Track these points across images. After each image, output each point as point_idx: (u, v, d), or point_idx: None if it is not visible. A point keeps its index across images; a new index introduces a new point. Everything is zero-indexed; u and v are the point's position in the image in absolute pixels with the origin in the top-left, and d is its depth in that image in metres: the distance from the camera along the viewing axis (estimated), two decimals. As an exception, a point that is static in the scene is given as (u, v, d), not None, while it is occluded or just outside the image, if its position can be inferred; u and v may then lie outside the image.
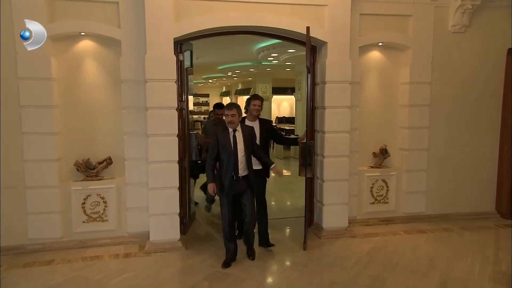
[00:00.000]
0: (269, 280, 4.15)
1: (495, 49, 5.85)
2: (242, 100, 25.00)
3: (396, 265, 4.35)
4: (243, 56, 11.92)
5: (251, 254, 4.53)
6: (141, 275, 4.09)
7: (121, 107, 4.84)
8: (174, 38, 4.64)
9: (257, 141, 4.56)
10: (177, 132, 4.75)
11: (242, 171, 4.30)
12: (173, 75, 4.66)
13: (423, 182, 5.80)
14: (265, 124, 4.97)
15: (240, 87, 22.90)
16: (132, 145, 4.86)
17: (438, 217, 5.87)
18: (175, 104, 4.70)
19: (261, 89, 19.59)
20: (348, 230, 5.32)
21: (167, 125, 4.68)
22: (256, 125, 4.76)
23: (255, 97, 4.95)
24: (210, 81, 22.72)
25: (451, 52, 5.73)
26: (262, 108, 4.90)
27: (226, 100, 21.49)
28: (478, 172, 6.02)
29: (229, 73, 17.16)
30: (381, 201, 5.77)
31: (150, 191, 4.72)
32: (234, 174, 4.25)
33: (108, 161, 4.96)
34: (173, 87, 4.69)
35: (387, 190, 5.77)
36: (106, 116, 4.98)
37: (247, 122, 4.77)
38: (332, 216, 5.27)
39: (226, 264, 4.31)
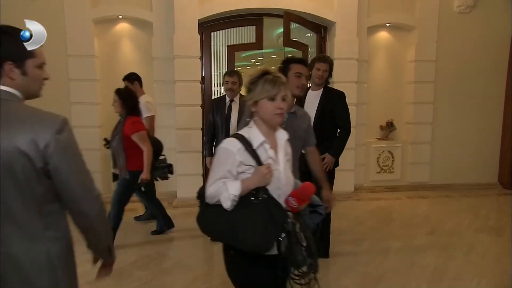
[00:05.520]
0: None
1: (499, 29, 6.12)
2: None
3: (394, 220, 4.88)
4: (264, 42, 12.39)
5: None
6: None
7: (152, 81, 5.54)
8: (198, 20, 5.28)
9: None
10: (200, 102, 5.42)
11: None
12: (198, 52, 5.31)
13: (428, 153, 6.22)
14: None
15: (263, 75, 23.34)
16: (162, 114, 5.52)
17: (442, 187, 6.28)
18: (199, 77, 5.36)
19: (284, 77, 19.95)
20: (354, 195, 5.85)
21: (192, 96, 5.35)
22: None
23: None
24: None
25: (456, 32, 6.06)
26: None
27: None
28: (481, 144, 6.35)
29: (252, 61, 17.65)
30: (387, 171, 6.25)
31: (178, 154, 5.42)
32: None
33: (142, 129, 5.68)
34: (198, 63, 5.34)
35: (393, 161, 6.23)
36: (140, 89, 5.69)
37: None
38: (339, 180, 5.76)
39: None
